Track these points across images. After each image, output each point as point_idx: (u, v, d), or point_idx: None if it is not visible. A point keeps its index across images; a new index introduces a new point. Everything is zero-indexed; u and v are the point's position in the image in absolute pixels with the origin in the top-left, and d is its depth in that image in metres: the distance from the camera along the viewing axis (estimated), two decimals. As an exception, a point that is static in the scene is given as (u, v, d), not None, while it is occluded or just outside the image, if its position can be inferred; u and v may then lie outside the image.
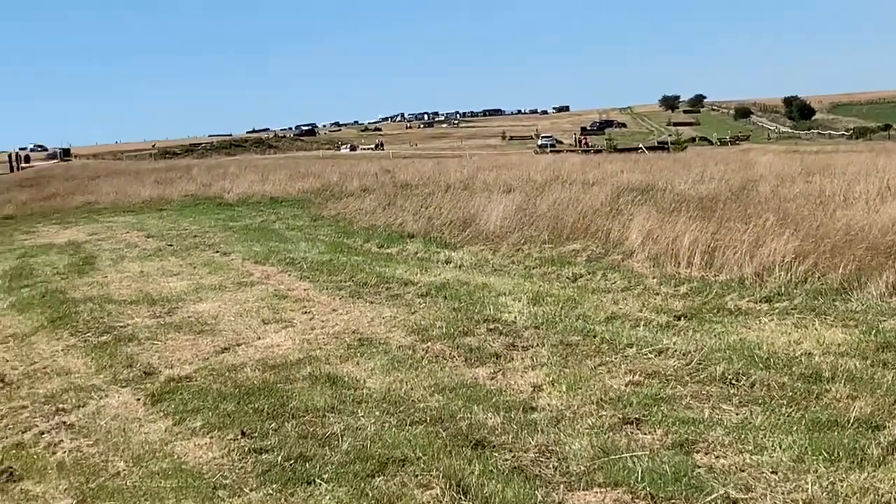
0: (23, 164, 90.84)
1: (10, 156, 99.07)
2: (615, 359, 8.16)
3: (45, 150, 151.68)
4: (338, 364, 8.56)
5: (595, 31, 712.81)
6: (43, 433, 7.24)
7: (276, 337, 9.84)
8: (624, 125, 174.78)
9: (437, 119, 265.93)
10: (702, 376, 7.51)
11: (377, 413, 7.03)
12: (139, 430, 7.11)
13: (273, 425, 6.90)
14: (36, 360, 9.63)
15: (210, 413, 7.32)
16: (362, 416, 6.97)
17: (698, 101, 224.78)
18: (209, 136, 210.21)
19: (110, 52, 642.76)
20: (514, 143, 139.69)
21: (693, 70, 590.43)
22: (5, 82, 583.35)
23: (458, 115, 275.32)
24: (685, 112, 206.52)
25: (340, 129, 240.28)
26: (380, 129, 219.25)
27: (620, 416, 6.66)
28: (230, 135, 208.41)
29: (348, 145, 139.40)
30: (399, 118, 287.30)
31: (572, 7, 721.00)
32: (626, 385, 7.40)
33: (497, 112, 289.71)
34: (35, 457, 6.72)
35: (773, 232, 12.35)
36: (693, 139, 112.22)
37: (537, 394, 7.35)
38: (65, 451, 6.78)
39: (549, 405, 7.04)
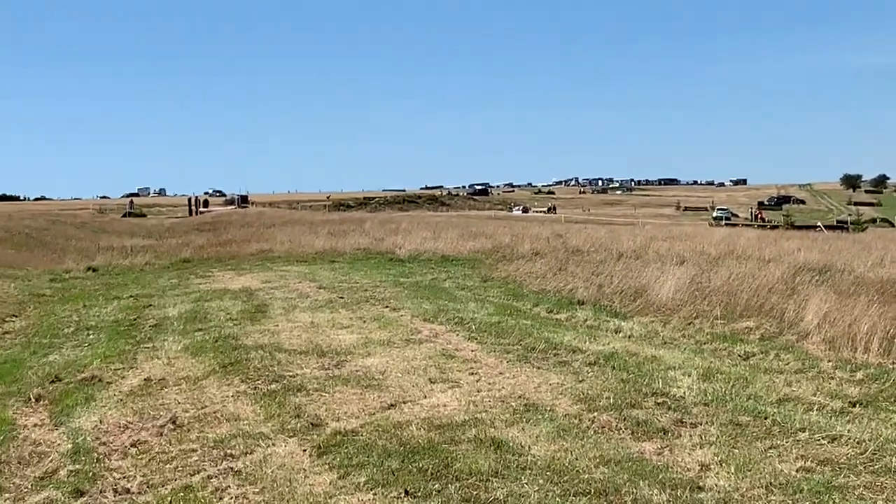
0: (201, 209, 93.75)
1: (189, 200, 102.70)
2: (786, 442, 7.97)
3: (224, 195, 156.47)
4: (503, 428, 8.54)
5: (776, 106, 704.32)
6: (211, 477, 7.40)
7: (442, 397, 9.85)
8: (802, 202, 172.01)
9: (611, 185, 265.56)
10: (876, 467, 7.30)
11: (541, 481, 7.00)
12: (304, 482, 7.20)
13: (436, 486, 6.91)
14: (207, 404, 9.85)
15: (374, 469, 7.37)
16: (526, 484, 6.94)
17: (881, 181, 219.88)
18: (383, 190, 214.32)
19: (292, 107, 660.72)
20: (688, 213, 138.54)
21: (877, 149, 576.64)
22: (194, 129, 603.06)
23: (632, 183, 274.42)
24: (867, 192, 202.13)
25: (514, 191, 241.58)
26: (553, 193, 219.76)
27: (790, 502, 6.52)
28: (403, 190, 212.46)
29: (521, 207, 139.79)
30: (573, 182, 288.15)
31: (753, 83, 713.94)
32: (797, 471, 7.23)
33: (672, 181, 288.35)
34: (202, 501, 6.86)
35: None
36: (874, 220, 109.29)
37: (705, 473, 7.22)
38: (231, 497, 6.90)
39: (716, 486, 6.91)
